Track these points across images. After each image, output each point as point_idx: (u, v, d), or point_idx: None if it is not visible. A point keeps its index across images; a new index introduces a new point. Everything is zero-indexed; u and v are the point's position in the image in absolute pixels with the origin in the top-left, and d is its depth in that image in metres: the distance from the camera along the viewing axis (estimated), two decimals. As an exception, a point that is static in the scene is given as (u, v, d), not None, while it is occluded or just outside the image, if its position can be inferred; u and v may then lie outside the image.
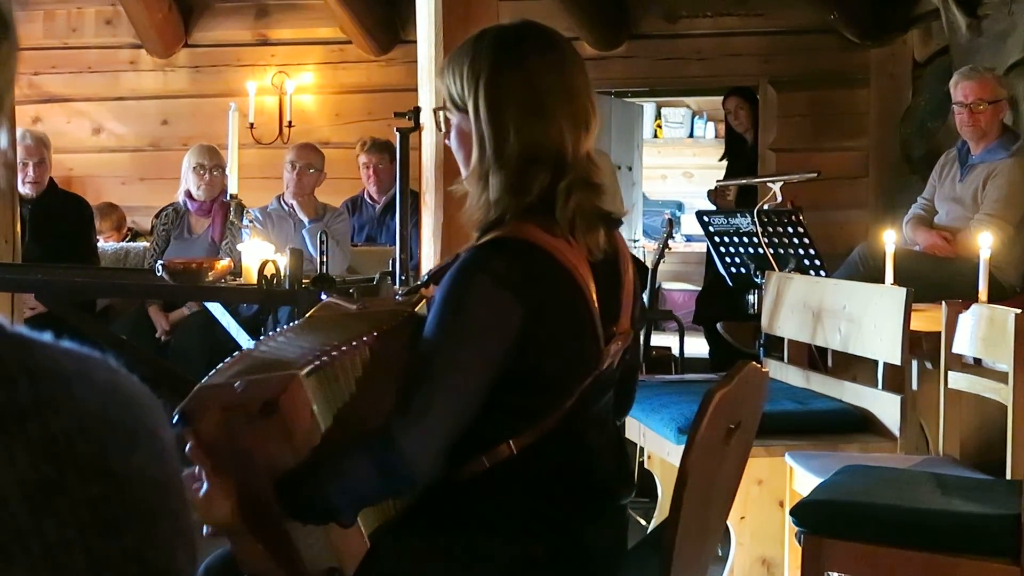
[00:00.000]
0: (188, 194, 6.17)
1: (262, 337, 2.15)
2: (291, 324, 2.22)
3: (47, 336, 0.77)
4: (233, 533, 1.92)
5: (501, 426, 2.00)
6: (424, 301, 2.15)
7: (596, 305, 2.02)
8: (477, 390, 1.94)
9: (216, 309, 4.83)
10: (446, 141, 2.19)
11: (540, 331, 1.96)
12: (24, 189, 6.03)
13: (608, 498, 2.13)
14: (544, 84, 2.03)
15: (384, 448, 1.89)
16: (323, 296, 2.43)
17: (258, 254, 4.28)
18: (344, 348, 1.97)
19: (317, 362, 1.92)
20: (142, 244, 7.11)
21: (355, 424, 1.95)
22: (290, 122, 7.74)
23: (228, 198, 4.97)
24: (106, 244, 7.20)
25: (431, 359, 1.94)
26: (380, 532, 2.02)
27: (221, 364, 2.00)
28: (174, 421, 1.86)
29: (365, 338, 2.00)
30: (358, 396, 1.98)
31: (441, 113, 2.16)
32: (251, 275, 4.24)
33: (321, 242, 4.32)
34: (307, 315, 2.25)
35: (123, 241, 7.55)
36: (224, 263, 4.45)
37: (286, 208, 6.22)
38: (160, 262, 4.48)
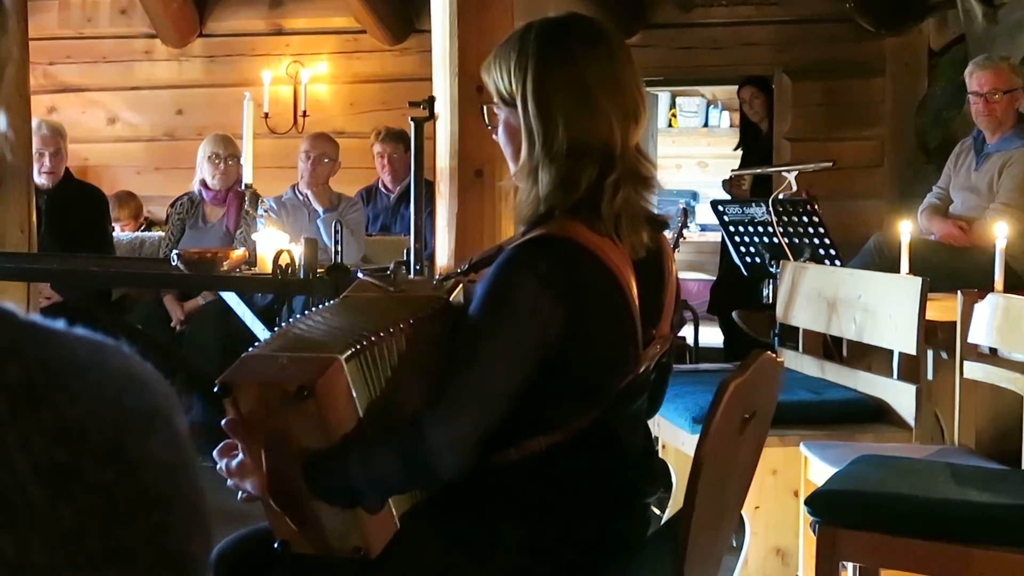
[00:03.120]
0: (203, 183, 6.18)
1: (297, 316, 2.16)
2: (328, 304, 2.22)
3: (60, 324, 0.78)
4: (264, 503, 1.94)
5: (534, 422, 2.00)
6: (460, 288, 2.15)
7: (637, 308, 2.02)
8: (510, 390, 1.94)
9: (231, 298, 4.84)
10: (494, 136, 2.18)
11: (580, 334, 1.96)
12: (40, 179, 6.04)
13: (633, 496, 2.13)
14: (591, 76, 2.02)
15: (412, 440, 1.89)
16: (359, 274, 2.42)
17: (273, 243, 4.28)
18: (382, 334, 1.97)
19: (357, 346, 1.92)
20: (157, 234, 7.12)
21: (386, 411, 1.96)
22: (304, 112, 7.75)
23: (243, 188, 4.97)
24: (121, 234, 7.21)
25: (467, 356, 1.94)
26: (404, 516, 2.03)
27: (267, 337, 2.03)
28: (215, 390, 1.87)
29: (402, 325, 2.00)
30: (391, 383, 1.98)
31: (487, 107, 2.16)
32: (266, 264, 4.24)
33: (336, 232, 4.33)
34: (343, 295, 2.25)
35: (140, 230, 7.57)
36: (239, 252, 4.46)
37: (301, 198, 6.22)
38: (175, 251, 4.49)
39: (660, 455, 4.51)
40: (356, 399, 1.91)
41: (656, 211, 2.14)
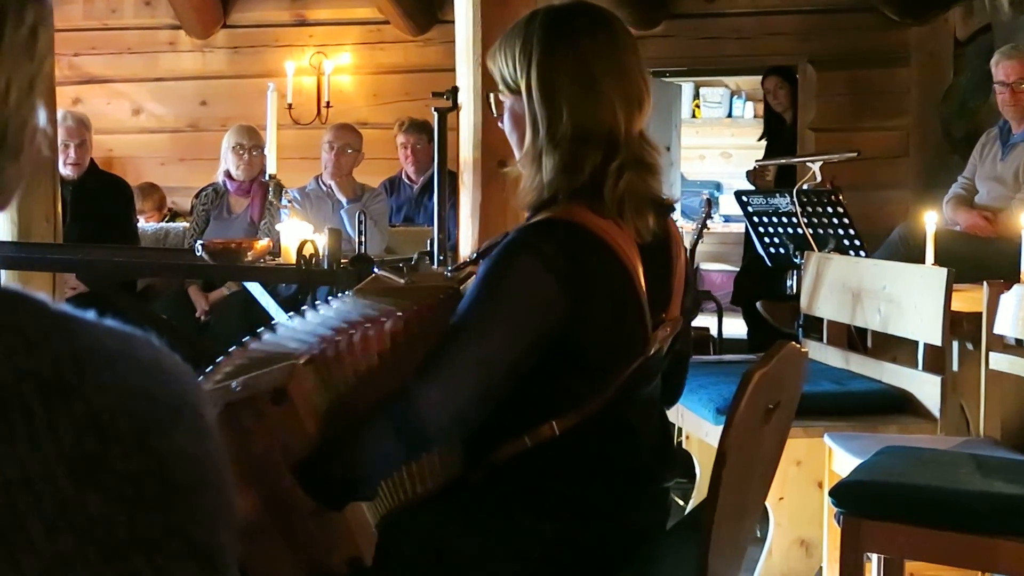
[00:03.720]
0: (227, 174, 6.20)
1: (284, 319, 2.14)
2: (337, 296, 2.22)
3: (91, 314, 0.78)
4: (251, 535, 1.87)
5: (545, 407, 2.00)
6: (472, 278, 2.14)
7: (644, 289, 2.02)
8: (506, 366, 1.94)
9: (255, 289, 4.85)
10: (499, 124, 2.20)
11: (586, 315, 1.96)
12: (65, 170, 6.07)
13: (649, 481, 2.13)
14: (596, 64, 2.03)
15: (400, 405, 1.90)
16: (375, 270, 2.42)
17: (297, 234, 4.29)
18: (355, 331, 1.95)
19: (316, 351, 1.90)
20: (182, 224, 7.15)
21: (374, 397, 1.94)
22: (328, 102, 7.75)
23: (267, 178, 4.98)
24: (146, 224, 7.25)
25: (462, 327, 1.95)
26: (416, 509, 2.02)
27: (209, 368, 1.96)
28: None
29: (385, 318, 1.99)
30: (380, 373, 1.96)
31: (493, 95, 2.18)
32: (290, 255, 4.25)
33: (359, 222, 4.33)
34: (355, 288, 2.25)
35: (163, 221, 7.60)
36: (263, 243, 4.47)
37: (324, 188, 6.24)
38: (200, 242, 4.50)
39: (684, 446, 4.52)
40: (319, 401, 1.89)
41: (663, 195, 2.13)
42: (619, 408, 2.04)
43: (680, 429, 4.47)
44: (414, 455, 1.98)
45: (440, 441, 1.96)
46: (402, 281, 2.22)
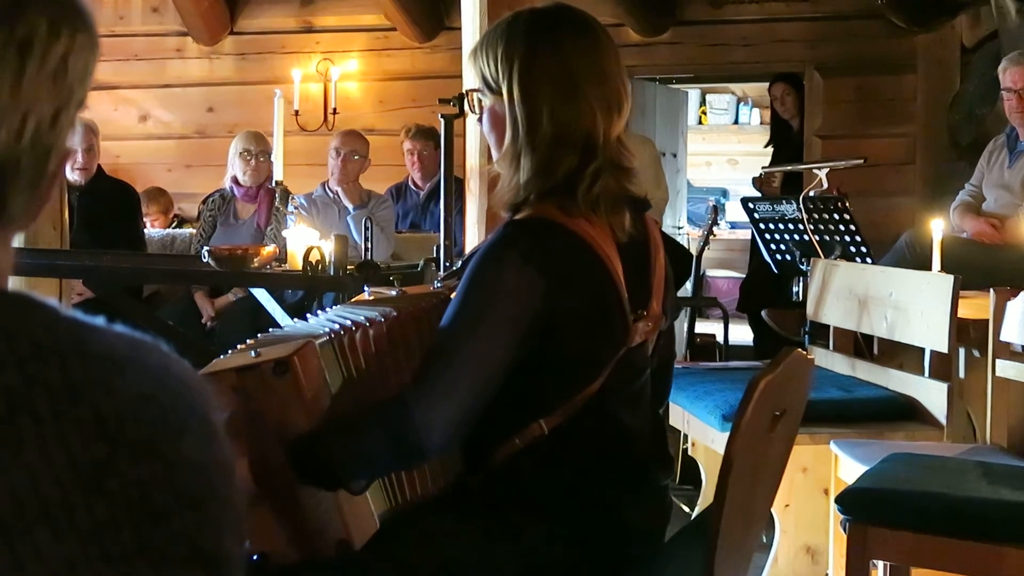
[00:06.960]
0: (235, 180, 6.20)
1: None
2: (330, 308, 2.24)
3: (100, 320, 0.78)
4: (247, 504, 1.92)
5: (532, 406, 2.02)
6: None
7: (622, 281, 2.03)
8: (497, 365, 1.94)
9: (261, 295, 4.85)
10: (478, 123, 2.21)
11: (564, 303, 1.97)
12: (72, 176, 6.08)
13: (645, 479, 2.13)
14: (578, 68, 2.04)
15: (397, 415, 1.90)
16: (365, 288, 2.45)
17: (303, 240, 4.29)
18: (361, 325, 2.00)
19: (332, 335, 1.96)
20: (188, 230, 7.16)
21: (371, 395, 1.97)
22: (335, 109, 7.76)
23: (274, 184, 4.99)
24: (153, 230, 7.25)
25: (451, 332, 1.95)
26: (410, 512, 2.03)
27: (239, 345, 2.03)
28: None
29: (383, 317, 2.03)
30: (378, 371, 2.00)
31: (474, 95, 2.18)
32: (296, 261, 4.26)
33: (366, 228, 4.34)
34: (350, 301, 2.28)
35: (170, 226, 7.60)
36: (269, 249, 4.47)
37: (331, 195, 6.24)
38: (206, 248, 4.50)
39: (690, 452, 4.52)
40: (329, 381, 1.93)
41: (639, 194, 2.14)
42: (606, 403, 2.04)
43: (686, 436, 4.46)
44: (407, 465, 2.00)
45: (435, 454, 1.97)
46: (393, 293, 2.25)
